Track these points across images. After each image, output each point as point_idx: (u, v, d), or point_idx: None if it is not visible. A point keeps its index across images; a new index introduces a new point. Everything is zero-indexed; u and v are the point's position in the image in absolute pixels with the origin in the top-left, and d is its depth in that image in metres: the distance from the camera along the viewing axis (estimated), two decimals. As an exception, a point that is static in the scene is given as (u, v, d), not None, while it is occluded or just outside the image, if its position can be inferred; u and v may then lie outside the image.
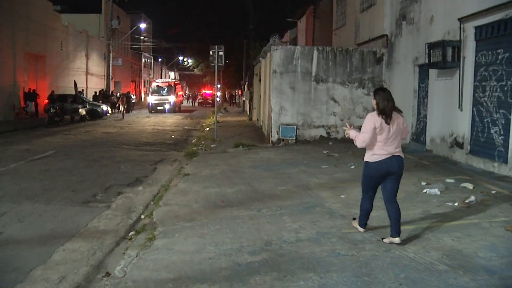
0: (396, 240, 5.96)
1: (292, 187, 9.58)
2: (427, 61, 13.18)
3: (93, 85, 45.32)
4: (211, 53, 19.01)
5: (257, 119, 26.35)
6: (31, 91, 31.87)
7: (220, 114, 37.79)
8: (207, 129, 24.58)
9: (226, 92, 69.97)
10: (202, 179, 10.67)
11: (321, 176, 10.71)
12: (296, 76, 17.01)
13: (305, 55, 17.02)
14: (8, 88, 29.28)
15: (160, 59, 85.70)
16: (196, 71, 72.15)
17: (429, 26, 13.90)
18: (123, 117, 34.35)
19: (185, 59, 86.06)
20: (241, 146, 16.53)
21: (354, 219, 6.84)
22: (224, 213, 7.68)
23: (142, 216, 7.96)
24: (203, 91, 73.44)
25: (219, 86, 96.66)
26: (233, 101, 66.65)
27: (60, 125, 26.33)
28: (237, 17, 49.58)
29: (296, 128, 17.00)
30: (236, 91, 74.24)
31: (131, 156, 14.81)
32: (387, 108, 5.78)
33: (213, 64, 19.07)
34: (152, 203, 8.85)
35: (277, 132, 17.01)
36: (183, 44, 64.57)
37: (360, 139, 5.92)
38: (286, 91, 16.99)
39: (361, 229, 6.48)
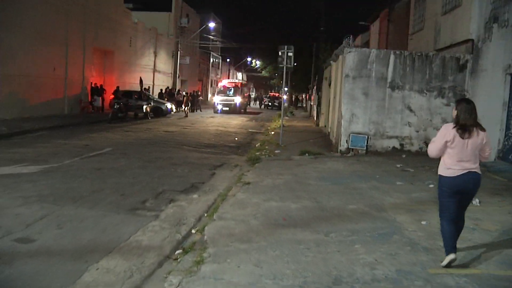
0: (451, 256, 5.44)
1: (363, 206, 8.41)
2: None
3: (159, 82, 45.31)
4: (280, 53, 18.01)
5: (325, 125, 25.15)
6: (98, 86, 31.95)
7: (286, 118, 36.74)
8: (272, 133, 23.61)
9: (293, 96, 68.91)
10: (263, 189, 9.65)
11: (396, 195, 9.47)
12: (369, 82, 15.75)
13: (381, 59, 15.73)
14: (76, 82, 29.39)
15: (228, 60, 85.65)
16: (264, 73, 71.47)
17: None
18: (187, 116, 33.94)
19: (253, 61, 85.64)
20: (307, 154, 15.42)
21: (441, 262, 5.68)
22: (286, 234, 6.62)
23: (193, 231, 7.01)
24: (270, 93, 72.69)
25: (286, 89, 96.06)
26: (299, 105, 65.56)
27: (123, 121, 26.05)
28: (307, 20, 48.45)
29: (367, 137, 15.73)
30: (303, 95, 73.22)
31: (190, 158, 14.01)
32: (468, 123, 5.39)
33: (281, 65, 18.05)
34: (205, 215, 7.91)
35: (346, 141, 15.79)
36: (252, 44, 63.88)
37: (429, 147, 5.74)
38: (359, 97, 15.76)
39: (452, 256, 5.46)
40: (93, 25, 31.07)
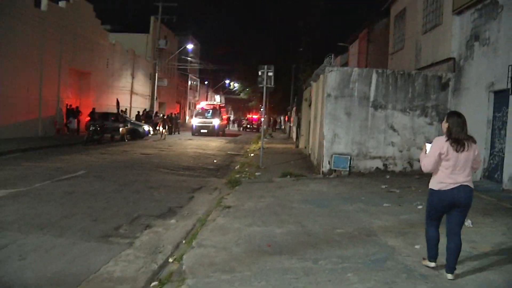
0: (449, 276, 5.52)
1: (352, 230, 7.93)
2: (509, 86, 11.40)
3: (137, 104, 44.68)
4: (259, 73, 17.62)
5: (305, 147, 24.75)
6: (74, 107, 31.25)
7: (265, 140, 36.33)
8: (252, 155, 23.12)
9: (271, 118, 68.75)
10: (245, 213, 9.13)
11: (385, 218, 9.01)
12: (352, 101, 15.41)
13: (363, 78, 15.42)
14: (51, 103, 28.70)
15: (206, 82, 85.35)
16: (242, 95, 71.34)
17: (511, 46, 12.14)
18: (163, 138, 33.36)
19: (231, 83, 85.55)
20: (288, 176, 14.95)
21: (424, 259, 6.11)
22: (272, 262, 6.10)
23: (170, 260, 6.45)
24: (249, 115, 72.72)
25: (264, 110, 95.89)
26: (276, 127, 65.72)
27: (99, 144, 25.36)
28: (285, 42, 48.42)
29: (350, 158, 15.34)
30: (281, 118, 73.11)
31: (167, 181, 13.44)
32: (460, 136, 5.42)
33: (261, 86, 17.66)
34: (184, 241, 7.35)
35: (328, 162, 15.38)
36: (230, 66, 63.72)
37: (423, 162, 5.63)
38: (341, 117, 15.39)
39: (432, 264, 5.88)
40: (70, 45, 30.52)
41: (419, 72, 16.07)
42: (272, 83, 17.61)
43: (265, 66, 17.56)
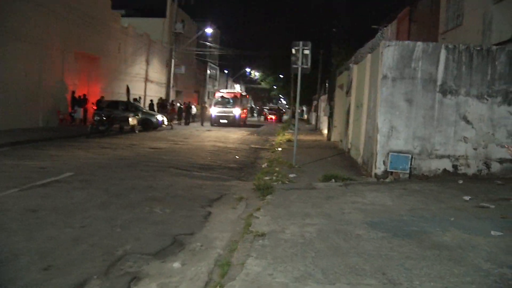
0: None
1: (480, 291, 4.65)
2: None
3: (152, 93, 41.53)
4: (293, 51, 14.31)
5: (340, 140, 21.41)
6: (81, 95, 28.18)
7: (291, 131, 33.18)
8: (279, 149, 19.86)
9: (293, 108, 65.56)
10: (289, 250, 5.87)
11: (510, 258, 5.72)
12: (414, 85, 12.03)
13: (429, 56, 12.02)
14: (53, 90, 25.60)
15: (226, 71, 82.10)
16: (263, 84, 68.11)
17: None
18: (170, 128, 30.73)
19: (252, 72, 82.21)
20: (333, 180, 11.67)
21: None
22: None
23: None
24: (270, 105, 70.14)
25: (284, 102, 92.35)
26: (300, 117, 62.91)
27: (105, 136, 22.29)
28: (311, 25, 44.92)
29: (411, 157, 12.01)
30: (304, 108, 69.72)
31: (176, 188, 10.23)
32: None
33: (295, 66, 14.35)
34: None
35: (383, 161, 12.03)
36: (251, 53, 60.38)
37: None
38: (400, 105, 12.03)
39: None
40: (77, 26, 27.41)
41: (502, 47, 12.57)
42: (309, 63, 14.29)
43: (300, 43, 14.24)
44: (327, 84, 37.04)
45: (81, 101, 27.97)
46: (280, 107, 77.14)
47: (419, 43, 12.23)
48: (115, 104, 27.83)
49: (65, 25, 25.98)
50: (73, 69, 27.94)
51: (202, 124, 38.44)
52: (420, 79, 12.00)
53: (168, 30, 45.87)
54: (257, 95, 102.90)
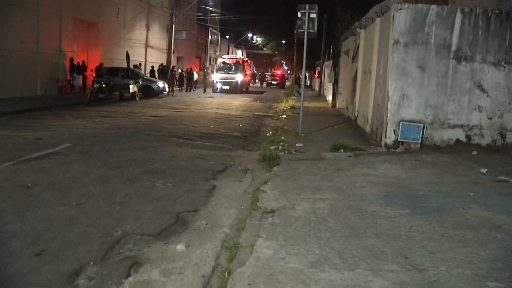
0: None
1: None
2: None
3: (153, 59, 40.75)
4: (299, 15, 13.68)
5: (346, 108, 20.87)
6: (80, 62, 27.51)
7: (294, 98, 32.67)
8: (284, 116, 19.37)
9: (296, 74, 64.75)
10: (301, 229, 5.43)
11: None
12: (427, 50, 11.44)
13: (443, 20, 11.41)
14: (51, 57, 24.93)
15: (227, 36, 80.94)
16: (265, 50, 67.23)
17: None
18: (171, 94, 30.50)
19: (254, 37, 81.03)
20: (342, 150, 11.21)
21: None
22: None
23: None
24: (273, 71, 69.37)
25: (286, 67, 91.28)
26: (300, 83, 62.44)
27: (104, 104, 21.77)
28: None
29: (423, 126, 11.51)
30: (307, 74, 68.96)
31: (179, 159, 9.78)
32: None
33: (301, 30, 13.74)
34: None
35: (394, 131, 11.53)
36: (253, 18, 59.33)
37: None
38: (412, 72, 11.47)
39: None
40: (72, -10, 26.58)
41: (522, 10, 11.94)
42: (316, 28, 13.69)
43: (306, 6, 13.61)
44: (331, 50, 36.23)
45: (80, 68, 27.31)
46: (283, 72, 76.27)
47: (433, 6, 11.61)
48: (114, 71, 27.15)
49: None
50: (71, 35, 27.20)
51: (205, 91, 37.79)
52: (434, 44, 11.41)
53: (168, -6, 44.86)
54: (259, 61, 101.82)
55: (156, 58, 41.55)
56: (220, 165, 9.47)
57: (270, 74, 71.11)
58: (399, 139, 11.50)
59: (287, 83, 65.85)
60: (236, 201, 7.02)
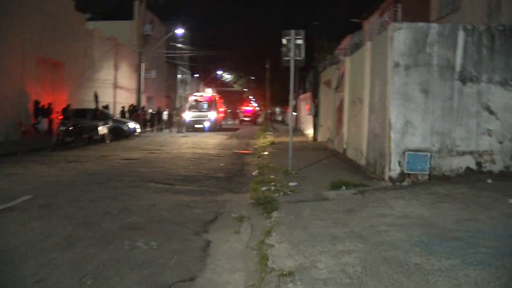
0: None
1: None
2: None
3: (122, 99, 39.17)
4: (284, 41, 12.56)
5: (331, 140, 19.74)
6: (46, 104, 25.93)
7: (270, 133, 31.59)
8: (265, 153, 18.13)
9: (268, 110, 64.13)
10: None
11: None
12: (430, 72, 10.40)
13: (445, 39, 10.40)
14: (12, 99, 23.32)
15: (197, 75, 79.94)
16: (236, 86, 66.59)
17: None
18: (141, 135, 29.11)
19: (223, 74, 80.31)
20: (343, 187, 9.97)
21: None
22: None
23: None
24: (244, 108, 68.74)
25: (255, 104, 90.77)
26: (273, 118, 62.33)
27: (72, 148, 20.22)
28: (286, 22, 43.39)
29: (430, 156, 10.37)
30: (278, 109, 68.57)
31: (160, 209, 8.34)
32: None
33: (286, 58, 12.62)
34: None
35: (399, 162, 10.36)
36: (222, 55, 58.58)
37: None
38: (415, 96, 10.38)
39: None
40: (36, 29, 25.13)
41: (528, 25, 11.02)
42: (303, 54, 12.58)
43: (292, 32, 12.53)
44: (305, 83, 35.40)
45: (45, 111, 25.72)
46: (255, 109, 75.69)
47: (434, 25, 10.67)
48: (82, 112, 25.55)
49: (22, 27, 23.79)
50: (35, 76, 25.68)
51: (179, 131, 36.44)
52: (437, 65, 10.39)
53: (137, 32, 43.67)
54: (230, 98, 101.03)
55: (125, 99, 40.06)
56: (209, 214, 8.09)
57: (241, 110, 70.74)
58: (405, 171, 10.33)
59: (259, 119, 65.09)
60: (240, 260, 5.66)
